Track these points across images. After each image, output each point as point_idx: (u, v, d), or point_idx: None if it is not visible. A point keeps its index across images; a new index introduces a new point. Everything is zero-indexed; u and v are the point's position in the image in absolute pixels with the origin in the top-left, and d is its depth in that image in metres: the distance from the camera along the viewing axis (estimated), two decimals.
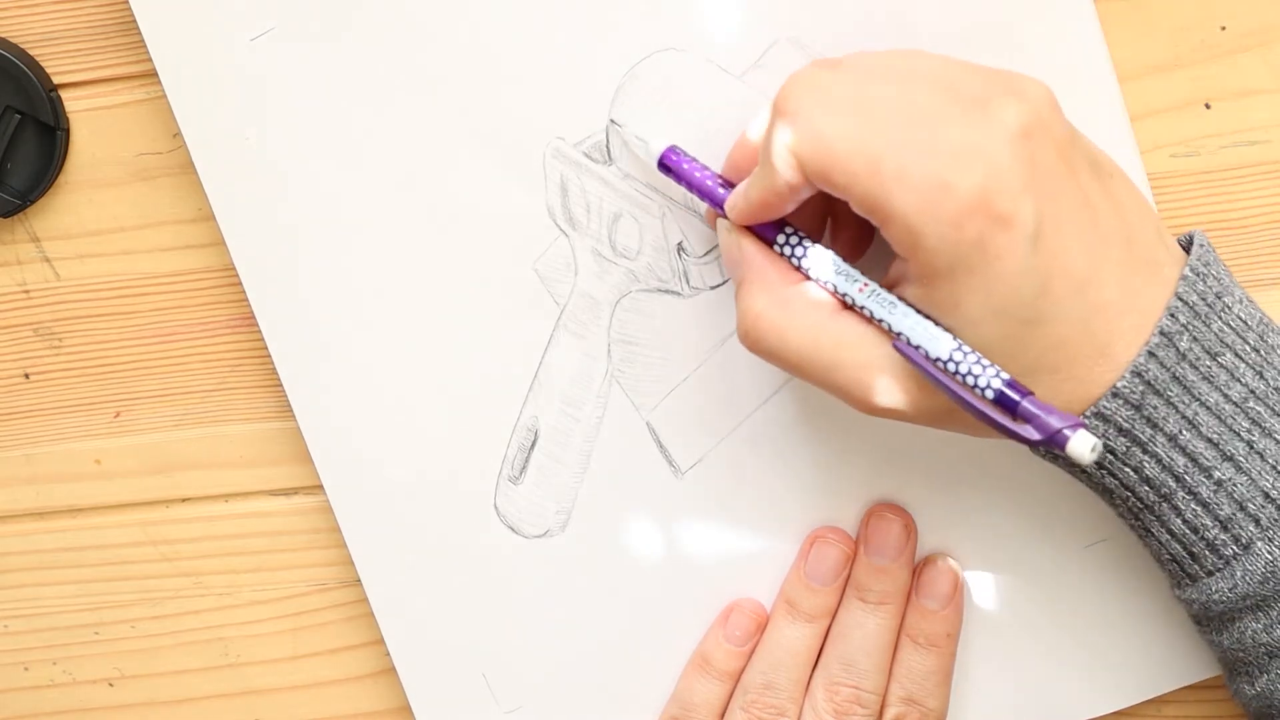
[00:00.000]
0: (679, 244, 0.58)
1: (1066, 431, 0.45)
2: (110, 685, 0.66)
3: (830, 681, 0.58)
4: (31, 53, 0.61)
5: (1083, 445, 0.45)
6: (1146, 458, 0.50)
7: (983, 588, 0.60)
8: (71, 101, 0.61)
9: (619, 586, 0.61)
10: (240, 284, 0.60)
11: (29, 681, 0.67)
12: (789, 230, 0.52)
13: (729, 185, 0.54)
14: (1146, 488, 0.50)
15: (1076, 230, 0.48)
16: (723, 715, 0.60)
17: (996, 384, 0.47)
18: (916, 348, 0.48)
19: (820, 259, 0.51)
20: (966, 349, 0.47)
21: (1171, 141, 0.57)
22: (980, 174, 0.46)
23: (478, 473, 0.61)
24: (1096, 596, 0.59)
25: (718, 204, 0.54)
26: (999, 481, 0.59)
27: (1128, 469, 0.50)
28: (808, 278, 0.51)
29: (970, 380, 0.47)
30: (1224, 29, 0.56)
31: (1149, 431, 0.49)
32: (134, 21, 0.58)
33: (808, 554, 0.60)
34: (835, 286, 0.51)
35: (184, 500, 0.65)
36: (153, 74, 0.60)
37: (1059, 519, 0.59)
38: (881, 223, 0.48)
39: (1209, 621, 0.52)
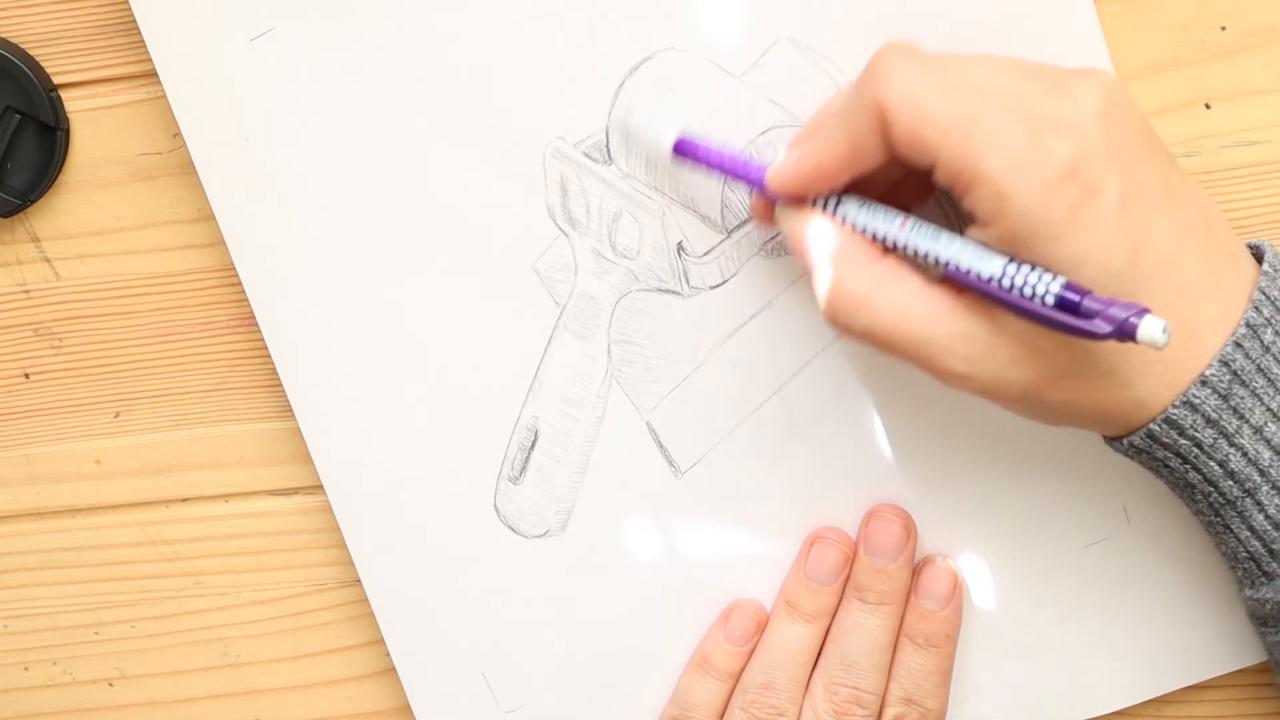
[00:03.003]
0: (679, 244, 0.58)
1: (1133, 319, 0.44)
2: (110, 685, 0.66)
3: (830, 682, 0.58)
4: (31, 53, 0.61)
5: (1153, 328, 0.44)
6: (1233, 450, 0.50)
7: (983, 588, 0.60)
8: (71, 101, 0.61)
9: (619, 586, 0.61)
10: (240, 284, 0.60)
11: (29, 681, 0.67)
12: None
13: (755, 163, 0.53)
14: (1231, 482, 0.50)
15: (1159, 208, 0.48)
16: (723, 715, 0.60)
17: (1055, 288, 0.46)
18: (968, 271, 0.48)
19: (855, 204, 0.51)
20: (1019, 264, 0.47)
21: (1171, 141, 0.57)
22: (1070, 143, 0.47)
23: (478, 473, 0.61)
24: (1096, 596, 0.59)
25: (754, 179, 0.52)
26: (999, 482, 0.59)
27: (1213, 463, 0.50)
28: (880, 242, 0.50)
29: (1028, 291, 0.46)
30: (1224, 29, 0.56)
31: (1235, 423, 0.49)
32: (134, 21, 0.58)
33: (807, 554, 0.60)
34: (876, 231, 0.50)
35: (184, 500, 0.65)
36: (153, 74, 0.60)
37: (1059, 519, 0.59)
38: (967, 185, 0.47)
39: (1276, 621, 0.52)
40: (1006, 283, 0.47)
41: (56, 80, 0.61)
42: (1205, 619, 0.59)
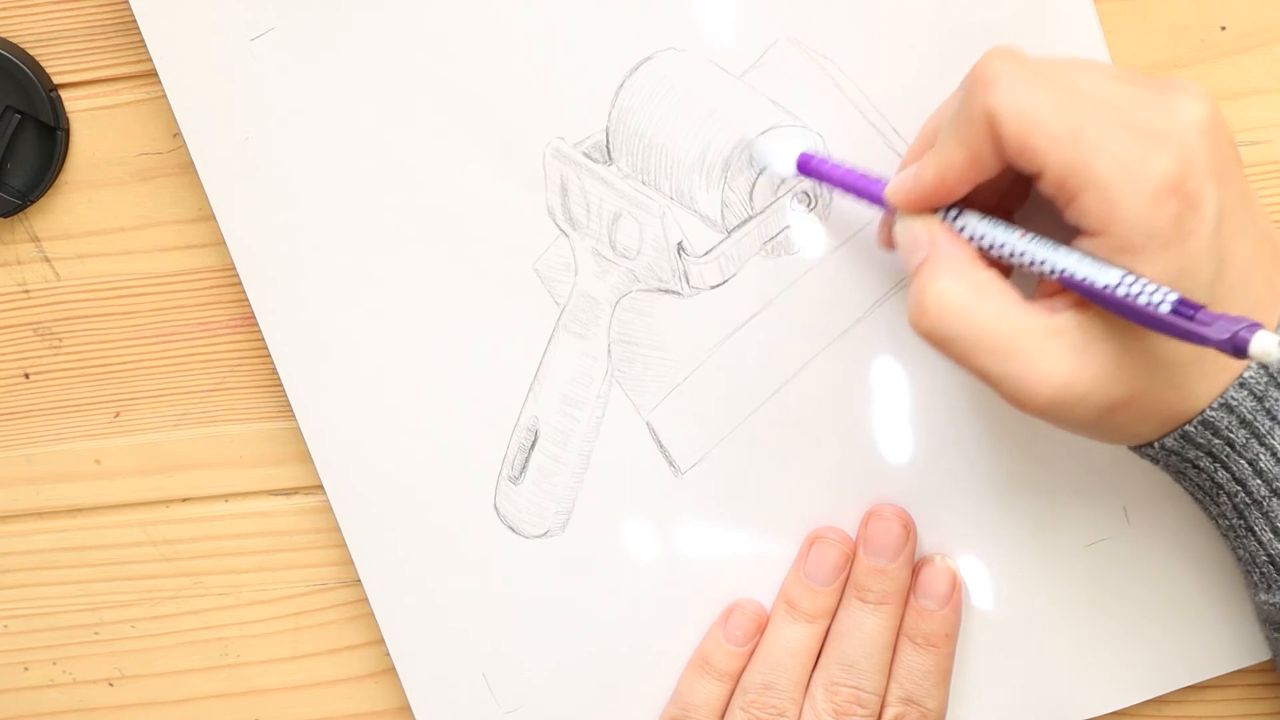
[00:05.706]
0: (679, 244, 0.58)
1: (1244, 333, 0.45)
2: (110, 685, 0.66)
3: (830, 682, 0.58)
4: (31, 53, 0.61)
5: (1268, 342, 0.44)
6: (1263, 450, 0.50)
7: (983, 588, 0.60)
8: (71, 101, 0.61)
9: (619, 586, 0.61)
10: (240, 284, 0.61)
11: (29, 681, 0.67)
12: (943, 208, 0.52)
13: (874, 179, 0.53)
14: (1259, 480, 0.51)
15: (1242, 221, 0.49)
16: (723, 715, 0.60)
17: (1171, 298, 0.46)
18: (1084, 280, 0.48)
19: (976, 216, 0.51)
20: (1135, 276, 0.47)
21: None
22: (1175, 156, 0.47)
23: (478, 473, 0.61)
24: (1097, 596, 0.59)
25: (874, 195, 0.53)
26: (999, 482, 0.59)
27: (1243, 461, 0.50)
28: (982, 251, 0.51)
29: (1144, 300, 0.47)
30: (1224, 29, 0.56)
31: (1267, 424, 0.50)
32: (134, 21, 0.59)
33: (807, 554, 0.60)
34: (996, 240, 0.50)
35: (184, 500, 0.65)
36: (153, 74, 0.60)
37: (1059, 519, 0.59)
38: (1076, 192, 0.47)
39: None
40: (1124, 291, 0.47)
41: (56, 80, 0.61)
42: (1205, 619, 0.59)
